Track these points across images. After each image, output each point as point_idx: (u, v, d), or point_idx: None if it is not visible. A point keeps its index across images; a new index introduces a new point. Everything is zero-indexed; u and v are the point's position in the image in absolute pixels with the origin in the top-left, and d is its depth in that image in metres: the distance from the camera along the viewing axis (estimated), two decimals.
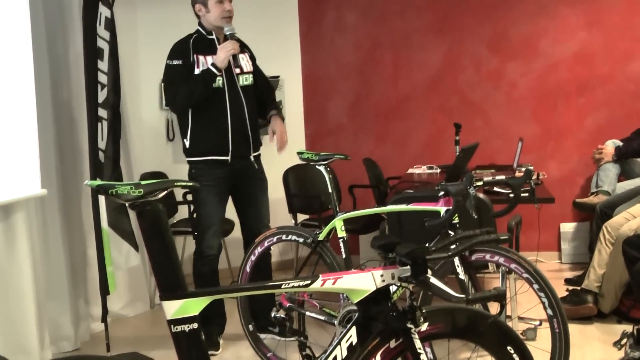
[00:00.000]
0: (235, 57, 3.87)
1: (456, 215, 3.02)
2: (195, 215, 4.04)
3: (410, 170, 5.43)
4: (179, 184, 1.92)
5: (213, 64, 3.81)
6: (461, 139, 5.21)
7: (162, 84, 3.95)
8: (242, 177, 4.01)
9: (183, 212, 5.05)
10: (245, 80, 4.00)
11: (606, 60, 5.59)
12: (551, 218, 5.50)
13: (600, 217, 4.62)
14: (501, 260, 2.93)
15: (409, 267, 1.78)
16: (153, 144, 5.39)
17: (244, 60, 4.00)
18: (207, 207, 3.96)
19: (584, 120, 5.67)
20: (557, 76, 5.70)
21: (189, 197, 4.93)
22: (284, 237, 3.53)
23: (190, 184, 2.01)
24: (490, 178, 3.27)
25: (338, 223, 3.49)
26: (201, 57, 3.87)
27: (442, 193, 3.03)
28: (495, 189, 4.06)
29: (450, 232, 3.04)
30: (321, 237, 3.47)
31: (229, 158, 3.92)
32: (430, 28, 5.91)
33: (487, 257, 2.96)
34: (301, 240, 3.51)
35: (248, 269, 3.58)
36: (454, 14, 5.86)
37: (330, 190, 3.66)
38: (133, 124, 4.90)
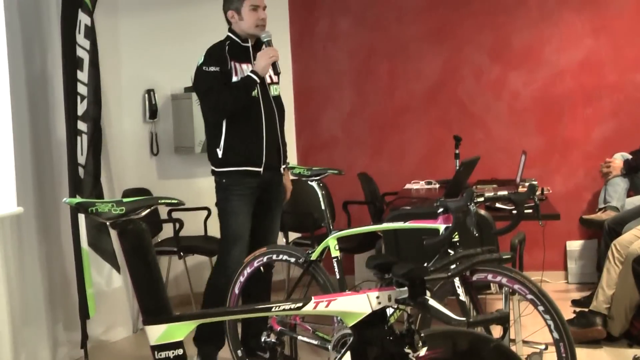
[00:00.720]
0: (274, 64, 3.90)
1: (456, 233, 3.03)
2: (220, 226, 4.00)
3: (407, 186, 5.44)
4: (163, 201, 1.92)
5: (253, 71, 3.83)
6: (461, 153, 5.22)
7: (195, 90, 3.98)
8: (267, 189, 4.03)
9: (168, 231, 5.04)
10: (275, 90, 4.05)
11: (614, 68, 5.63)
12: (557, 235, 5.51)
13: (608, 235, 4.63)
14: (504, 280, 2.93)
15: (406, 288, 1.79)
16: (136, 158, 5.38)
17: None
18: (239, 217, 3.93)
19: (591, 132, 5.70)
20: (562, 86, 5.73)
21: (174, 215, 4.94)
22: (274, 256, 3.53)
23: (175, 200, 1.99)
24: (492, 194, 3.27)
25: (331, 242, 3.50)
26: (237, 65, 3.90)
27: (441, 210, 3.03)
28: (498, 205, 4.07)
29: (450, 251, 3.04)
30: (314, 256, 3.47)
31: (261, 169, 3.94)
32: (428, 35, 5.94)
33: (489, 277, 2.96)
34: (293, 260, 3.52)
35: (237, 291, 3.57)
36: (453, 20, 5.90)
37: (323, 207, 3.67)
38: (115, 138, 4.91)
